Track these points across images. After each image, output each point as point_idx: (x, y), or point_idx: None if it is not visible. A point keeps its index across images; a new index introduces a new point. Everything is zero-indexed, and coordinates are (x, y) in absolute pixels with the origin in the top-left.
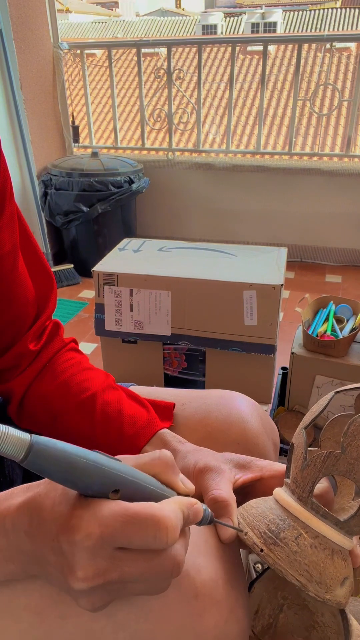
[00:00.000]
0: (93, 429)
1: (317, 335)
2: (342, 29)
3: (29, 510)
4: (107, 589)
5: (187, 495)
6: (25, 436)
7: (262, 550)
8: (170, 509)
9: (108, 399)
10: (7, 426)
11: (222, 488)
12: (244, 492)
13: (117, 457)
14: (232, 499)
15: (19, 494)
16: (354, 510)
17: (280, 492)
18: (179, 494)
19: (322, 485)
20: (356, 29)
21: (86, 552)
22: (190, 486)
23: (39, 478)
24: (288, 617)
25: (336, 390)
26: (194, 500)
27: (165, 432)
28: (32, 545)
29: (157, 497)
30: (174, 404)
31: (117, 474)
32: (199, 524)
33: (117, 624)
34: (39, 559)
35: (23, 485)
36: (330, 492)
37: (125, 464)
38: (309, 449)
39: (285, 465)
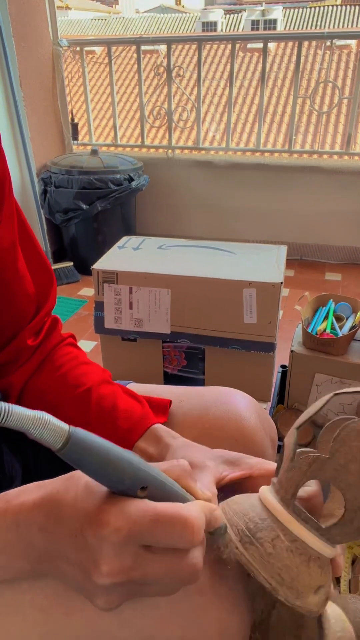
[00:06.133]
0: (88, 422)
1: (316, 334)
2: (343, 26)
3: (46, 507)
4: (126, 587)
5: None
6: (65, 426)
7: (236, 548)
8: (196, 510)
9: (103, 393)
10: (48, 414)
11: (203, 484)
12: (232, 490)
13: None
14: (212, 494)
15: (33, 490)
16: (338, 519)
17: (265, 491)
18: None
19: (311, 488)
20: (356, 26)
21: (113, 547)
22: (208, 493)
23: (37, 477)
24: (281, 613)
25: (335, 392)
26: (215, 506)
27: (159, 427)
28: (46, 541)
29: (181, 499)
30: (170, 401)
31: (148, 472)
32: (214, 532)
33: (123, 621)
34: (53, 556)
35: (35, 483)
36: (318, 496)
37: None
38: (301, 450)
39: (275, 465)
